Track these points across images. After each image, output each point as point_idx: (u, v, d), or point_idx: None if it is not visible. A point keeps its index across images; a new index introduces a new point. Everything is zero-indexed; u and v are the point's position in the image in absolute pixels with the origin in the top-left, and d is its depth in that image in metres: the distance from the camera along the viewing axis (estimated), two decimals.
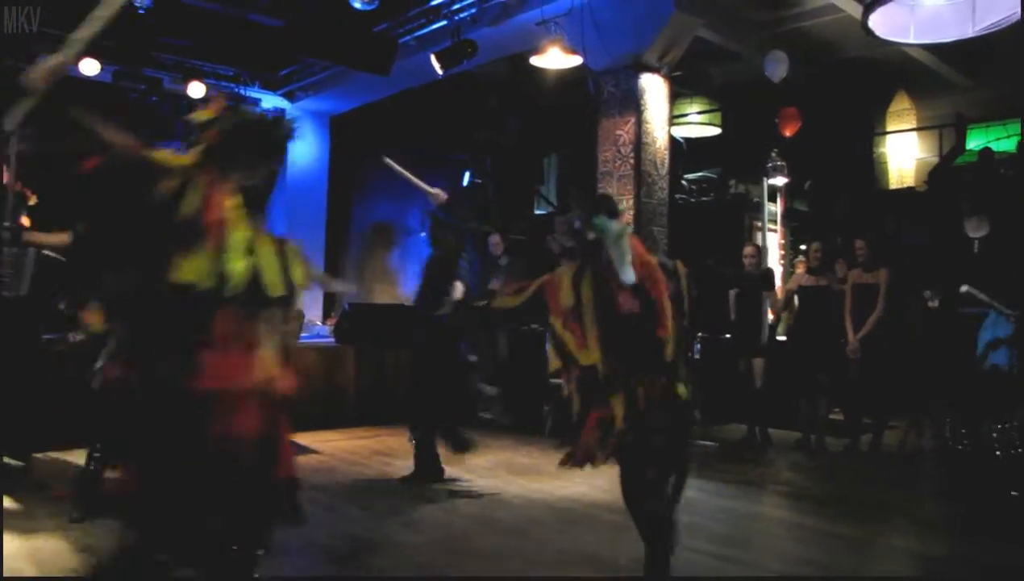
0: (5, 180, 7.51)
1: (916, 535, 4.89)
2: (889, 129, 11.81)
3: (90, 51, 8.89)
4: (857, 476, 6.61)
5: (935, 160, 10.96)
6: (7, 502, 5.01)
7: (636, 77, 7.49)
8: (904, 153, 11.83)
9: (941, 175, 9.36)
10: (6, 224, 5.98)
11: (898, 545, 4.71)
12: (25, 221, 6.32)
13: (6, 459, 5.93)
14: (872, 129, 11.94)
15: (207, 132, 2.83)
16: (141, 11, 7.72)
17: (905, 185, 11.70)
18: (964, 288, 6.13)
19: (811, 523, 5.05)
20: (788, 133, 9.85)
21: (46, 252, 6.06)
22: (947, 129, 10.90)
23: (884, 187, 11.95)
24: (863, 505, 5.60)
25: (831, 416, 7.63)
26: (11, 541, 4.17)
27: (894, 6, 5.26)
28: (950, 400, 6.15)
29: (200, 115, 2.92)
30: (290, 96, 11.07)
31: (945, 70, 10.04)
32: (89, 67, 8.84)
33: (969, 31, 5.14)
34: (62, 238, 4.72)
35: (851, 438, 7.28)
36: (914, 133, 11.68)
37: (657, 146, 7.63)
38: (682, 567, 4.11)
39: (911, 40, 5.71)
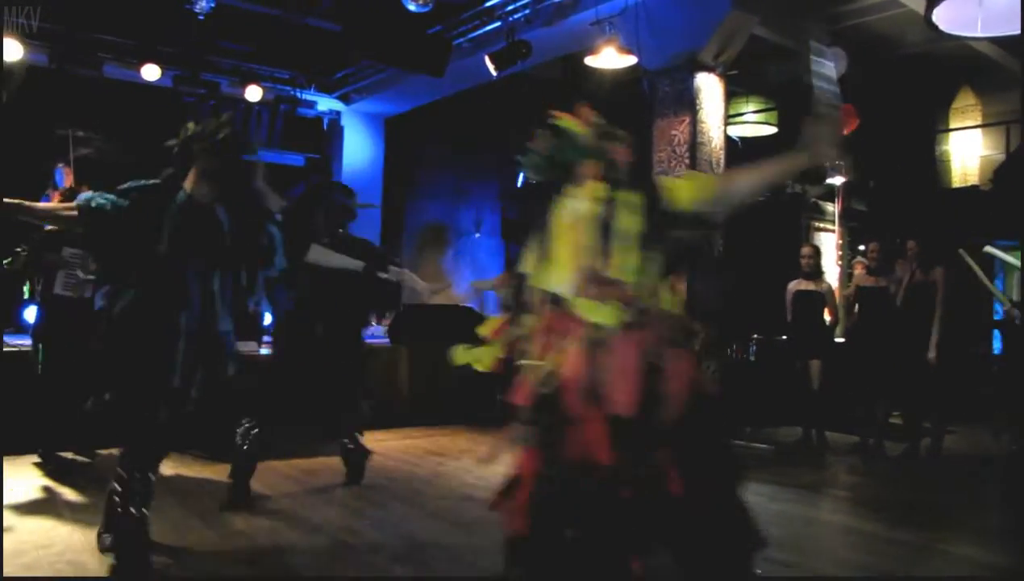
0: (68, 183, 7.76)
1: (979, 543, 4.74)
2: (953, 126, 11.51)
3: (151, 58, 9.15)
4: (917, 481, 6.46)
5: (1001, 157, 10.66)
6: (72, 495, 5.16)
7: (691, 76, 7.41)
8: (968, 150, 11.52)
9: (1008, 172, 9.06)
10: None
11: (959, 553, 4.57)
12: None
13: (73, 455, 6.12)
14: (935, 126, 11.65)
15: None
16: (200, 17, 7.88)
17: (969, 183, 11.39)
18: (987, 249, 5.95)
19: (869, 528, 4.94)
20: (846, 132, 9.65)
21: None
22: (1015, 125, 10.60)
23: (947, 185, 11.66)
24: (923, 511, 5.46)
25: (890, 419, 7.47)
26: (75, 534, 4.29)
27: None
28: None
29: None
30: (345, 98, 11.20)
31: (1013, 64, 9.75)
32: (150, 73, 9.07)
33: None
34: (67, 209, 3.61)
35: (911, 442, 7.12)
36: (979, 130, 11.37)
37: (712, 146, 7.54)
38: None
39: (978, 34, 5.54)
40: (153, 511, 3.80)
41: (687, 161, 7.37)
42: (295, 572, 3.91)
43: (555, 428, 2.61)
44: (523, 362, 2.78)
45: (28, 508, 4.80)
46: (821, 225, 11.00)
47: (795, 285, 7.61)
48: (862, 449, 7.25)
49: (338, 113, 11.46)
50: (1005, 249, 5.78)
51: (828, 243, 10.63)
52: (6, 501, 4.63)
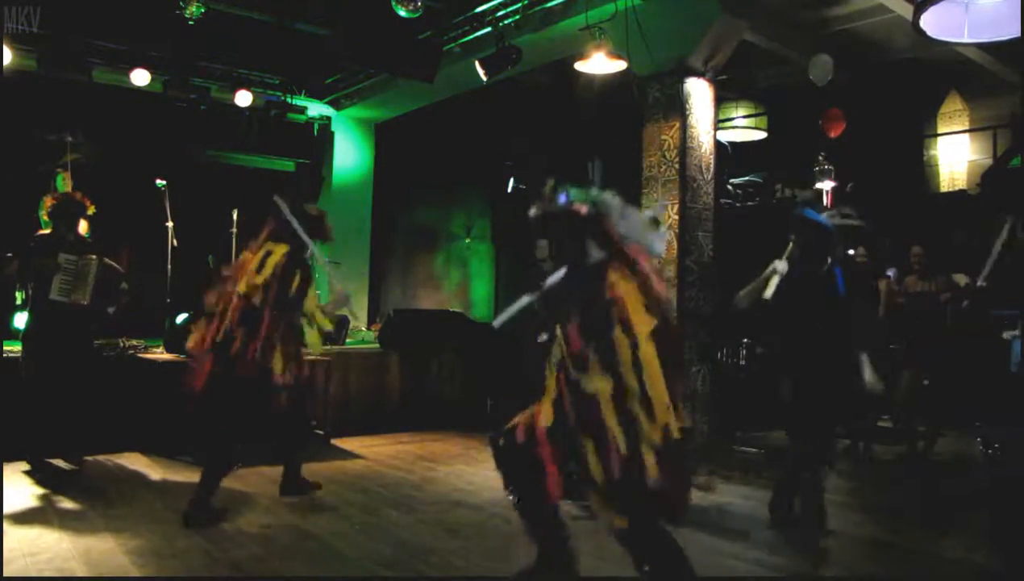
0: (68, 188, 7.74)
1: (970, 547, 4.76)
2: (940, 131, 11.57)
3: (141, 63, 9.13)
4: (907, 484, 6.48)
5: (988, 162, 10.72)
6: (60, 502, 5.13)
7: (681, 82, 7.42)
8: (956, 155, 11.59)
9: (995, 177, 9.11)
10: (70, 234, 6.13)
11: (950, 556, 4.59)
12: (83, 229, 6.48)
13: (61, 462, 6.08)
14: (922, 132, 11.71)
15: None
16: (191, 22, 7.86)
17: (957, 188, 11.45)
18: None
19: (858, 532, 4.96)
20: (833, 134, 9.68)
21: (108, 261, 6.20)
22: (1002, 130, 10.66)
23: (935, 190, 11.72)
24: (914, 514, 5.48)
25: (879, 423, 7.49)
26: (63, 541, 4.27)
27: (947, 4, 5.12)
28: None
29: None
30: (335, 104, 11.19)
31: (1000, 69, 9.80)
32: (140, 78, 9.03)
33: None
34: None
35: (907, 446, 7.14)
36: (966, 135, 11.43)
37: (702, 151, 7.55)
38: (726, 574, 4.06)
39: (965, 39, 5.55)
40: (141, 516, 3.78)
41: (677, 166, 7.39)
42: (285, 578, 3.90)
43: None
44: None
45: (16, 516, 4.77)
46: None
47: None
48: (851, 453, 7.26)
49: (328, 118, 11.44)
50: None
51: None
52: None
